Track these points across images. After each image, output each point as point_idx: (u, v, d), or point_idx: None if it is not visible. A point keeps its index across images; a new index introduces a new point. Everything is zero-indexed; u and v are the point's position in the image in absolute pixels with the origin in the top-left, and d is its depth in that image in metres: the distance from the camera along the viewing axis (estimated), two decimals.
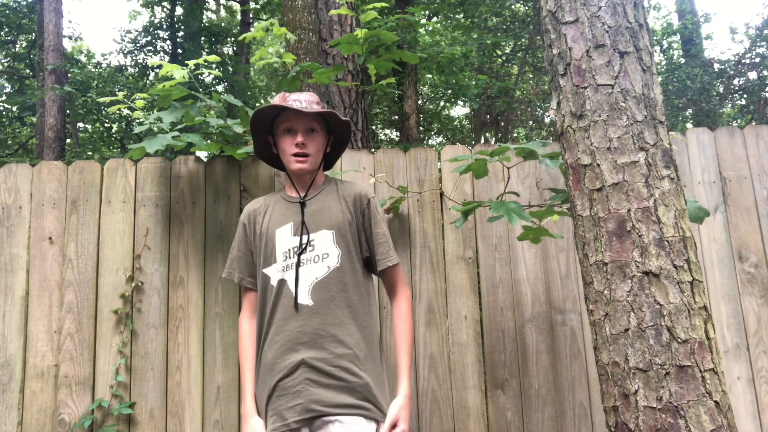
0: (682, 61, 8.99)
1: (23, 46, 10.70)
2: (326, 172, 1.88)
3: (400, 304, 1.71)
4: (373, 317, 1.69)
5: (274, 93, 11.94)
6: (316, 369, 1.55)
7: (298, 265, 1.62)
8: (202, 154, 4.96)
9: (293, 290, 1.61)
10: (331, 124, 1.78)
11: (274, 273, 1.65)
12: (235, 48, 11.99)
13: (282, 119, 1.72)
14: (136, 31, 10.49)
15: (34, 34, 9.91)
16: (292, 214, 1.69)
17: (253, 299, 1.75)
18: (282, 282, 1.63)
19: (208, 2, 12.99)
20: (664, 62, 8.91)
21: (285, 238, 1.66)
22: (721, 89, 7.60)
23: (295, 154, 1.69)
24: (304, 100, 1.71)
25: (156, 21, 11.16)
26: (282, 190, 1.81)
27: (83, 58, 12.46)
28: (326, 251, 1.63)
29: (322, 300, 1.60)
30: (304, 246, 1.64)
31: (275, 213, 1.72)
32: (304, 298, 1.59)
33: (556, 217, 1.95)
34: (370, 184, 2.29)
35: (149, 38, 10.38)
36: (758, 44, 7.47)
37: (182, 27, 10.60)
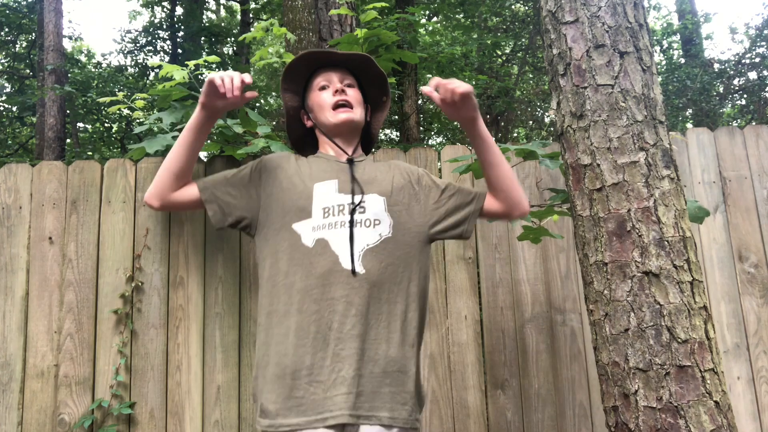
0: (682, 61, 8.99)
1: (23, 46, 10.70)
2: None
3: None
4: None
5: (274, 93, 11.94)
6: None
7: (352, 224, 1.37)
8: (202, 154, 4.95)
9: (344, 253, 1.35)
10: (366, 92, 1.59)
11: (307, 230, 1.38)
12: (235, 48, 12.00)
13: (315, 82, 1.54)
14: (136, 31, 10.51)
15: (34, 34, 9.91)
16: (336, 171, 1.45)
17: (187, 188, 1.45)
18: (322, 242, 1.36)
19: (208, 2, 12.99)
20: (664, 62, 8.91)
21: (327, 194, 1.41)
22: (721, 89, 7.60)
23: (336, 104, 1.47)
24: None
25: (156, 21, 11.17)
26: (312, 156, 1.56)
27: (83, 58, 12.46)
28: (378, 218, 1.41)
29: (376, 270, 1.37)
30: (356, 205, 1.39)
31: (313, 168, 1.47)
32: (357, 265, 1.35)
33: (556, 217, 1.95)
34: None
35: (149, 38, 10.39)
36: (758, 44, 7.47)
37: (182, 27, 10.61)
